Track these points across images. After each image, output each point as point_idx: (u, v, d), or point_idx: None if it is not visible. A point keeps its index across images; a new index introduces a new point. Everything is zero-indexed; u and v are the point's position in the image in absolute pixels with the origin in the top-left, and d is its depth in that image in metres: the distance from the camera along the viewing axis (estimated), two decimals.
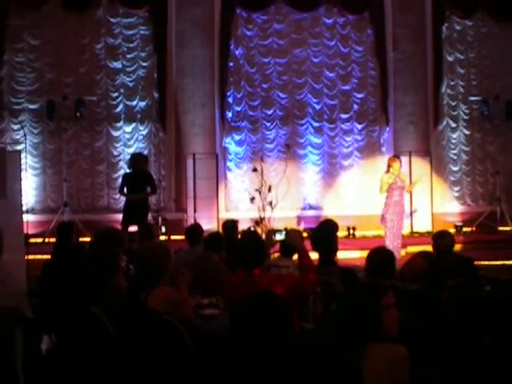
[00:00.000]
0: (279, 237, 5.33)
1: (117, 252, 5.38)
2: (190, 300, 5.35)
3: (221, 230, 9.85)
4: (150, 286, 4.97)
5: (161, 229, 13.99)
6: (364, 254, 13.09)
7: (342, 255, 11.18)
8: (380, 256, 5.50)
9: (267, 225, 12.79)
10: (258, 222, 9.86)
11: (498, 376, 4.26)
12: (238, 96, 15.82)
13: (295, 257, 5.81)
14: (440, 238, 7.00)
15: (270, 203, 12.83)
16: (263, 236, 8.16)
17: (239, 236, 9.19)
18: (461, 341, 4.87)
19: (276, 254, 7.63)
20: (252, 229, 11.40)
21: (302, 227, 15.19)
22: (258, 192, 12.94)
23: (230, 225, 8.80)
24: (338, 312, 3.78)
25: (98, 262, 5.39)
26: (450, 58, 16.40)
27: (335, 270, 6.20)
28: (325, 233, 6.44)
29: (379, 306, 3.59)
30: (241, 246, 4.83)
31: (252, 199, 12.56)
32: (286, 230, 5.52)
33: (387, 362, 3.48)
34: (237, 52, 15.77)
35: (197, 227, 8.33)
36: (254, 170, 13.28)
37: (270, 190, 12.91)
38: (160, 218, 14.05)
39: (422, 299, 5.24)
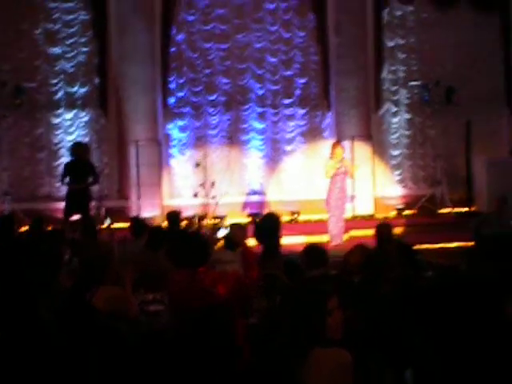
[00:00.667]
0: (223, 232, 5.35)
1: (59, 251, 5.34)
2: (133, 297, 5.36)
3: (165, 220, 9.85)
4: (95, 285, 4.96)
5: (105, 217, 13.86)
6: (308, 239, 13.33)
7: (286, 241, 11.26)
8: (310, 249, 5.67)
9: (211, 216, 12.78)
10: (202, 217, 9.83)
11: (441, 362, 4.37)
12: (181, 82, 15.71)
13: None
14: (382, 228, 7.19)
15: (214, 197, 12.82)
16: (206, 231, 8.20)
17: (182, 225, 9.24)
18: (403, 330, 4.98)
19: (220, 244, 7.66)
20: (196, 219, 11.39)
21: (246, 213, 15.28)
22: (201, 187, 12.90)
23: (174, 215, 8.79)
24: (282, 313, 3.81)
25: (40, 262, 5.35)
26: (391, 43, 16.54)
27: (279, 262, 6.27)
28: (268, 225, 6.49)
29: (324, 311, 3.63)
30: (185, 246, 4.84)
31: (195, 195, 12.51)
32: (230, 225, 5.54)
33: (331, 368, 3.52)
34: (178, 37, 15.63)
35: (140, 220, 8.33)
36: (197, 165, 13.22)
37: (213, 185, 12.86)
38: (103, 208, 13.91)
39: (362, 292, 5.35)
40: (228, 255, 5.52)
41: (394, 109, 16.66)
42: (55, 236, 6.46)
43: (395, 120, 16.68)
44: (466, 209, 15.33)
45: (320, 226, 13.45)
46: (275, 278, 5.86)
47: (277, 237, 6.46)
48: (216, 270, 5.09)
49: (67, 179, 12.18)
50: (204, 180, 12.88)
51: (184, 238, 4.88)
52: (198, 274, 4.74)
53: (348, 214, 14.16)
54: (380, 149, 16.43)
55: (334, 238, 12.62)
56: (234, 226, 5.18)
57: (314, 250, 5.65)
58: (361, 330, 4.65)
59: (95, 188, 13.49)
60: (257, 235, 6.37)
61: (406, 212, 15.90)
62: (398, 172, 16.77)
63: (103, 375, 4.17)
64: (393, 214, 15.86)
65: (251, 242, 6.37)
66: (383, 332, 5.06)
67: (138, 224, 8.19)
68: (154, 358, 4.20)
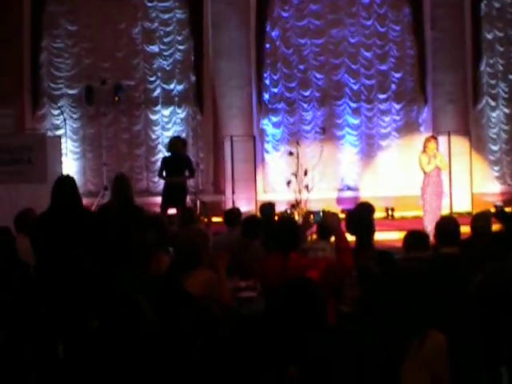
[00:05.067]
0: (316, 218, 5.35)
1: (154, 240, 5.40)
2: (227, 283, 5.41)
3: (258, 213, 9.93)
4: (190, 268, 5.03)
5: (201, 212, 14.05)
6: (402, 235, 13.13)
7: (381, 236, 11.16)
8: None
9: (304, 207, 12.80)
10: (295, 205, 9.85)
11: None
12: (275, 78, 15.81)
13: (332, 238, 5.83)
14: (475, 221, 7.06)
15: (307, 187, 12.84)
16: (300, 219, 8.21)
17: (276, 219, 9.27)
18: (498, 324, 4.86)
19: (314, 236, 7.66)
20: (288, 211, 11.42)
21: (339, 208, 15.20)
22: (294, 176, 12.94)
23: (267, 208, 8.85)
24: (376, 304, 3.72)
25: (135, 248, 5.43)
26: (489, 36, 16.16)
27: (372, 253, 6.21)
28: (361, 215, 6.44)
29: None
30: (276, 230, 4.88)
31: (288, 183, 12.57)
32: (323, 212, 5.52)
33: (432, 351, 3.43)
34: (273, 33, 15.75)
35: (235, 210, 8.44)
36: (290, 153, 13.27)
37: (306, 173, 12.87)
38: (198, 201, 14.12)
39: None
40: (321, 244, 5.53)
41: (493, 103, 16.26)
42: (153, 222, 6.60)
43: (494, 114, 16.28)
44: None
45: (416, 223, 13.21)
46: (368, 268, 5.83)
47: (370, 227, 6.38)
48: (307, 257, 5.10)
49: (164, 173, 12.41)
50: (297, 170, 12.88)
51: (276, 223, 4.92)
52: (290, 259, 4.76)
53: (445, 211, 13.88)
54: (478, 144, 16.08)
55: (429, 234, 12.38)
56: (326, 213, 5.16)
57: (416, 233, 5.67)
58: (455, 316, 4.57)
59: (191, 182, 13.73)
60: (349, 225, 6.30)
61: (506, 209, 15.48)
62: (496, 168, 16.37)
63: (202, 359, 4.21)
64: (492, 210, 15.46)
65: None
66: (477, 325, 4.95)
67: (233, 214, 8.30)
68: (248, 343, 4.24)
